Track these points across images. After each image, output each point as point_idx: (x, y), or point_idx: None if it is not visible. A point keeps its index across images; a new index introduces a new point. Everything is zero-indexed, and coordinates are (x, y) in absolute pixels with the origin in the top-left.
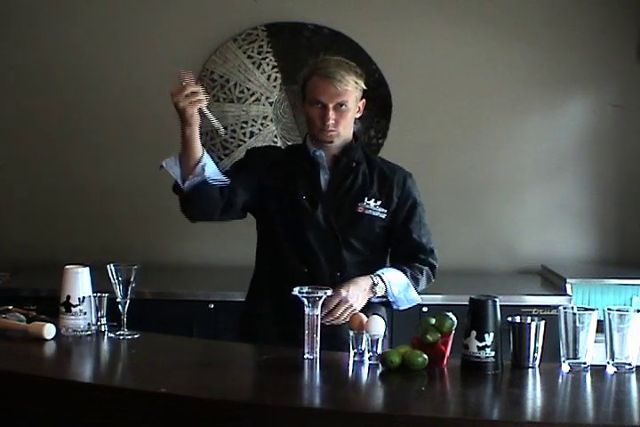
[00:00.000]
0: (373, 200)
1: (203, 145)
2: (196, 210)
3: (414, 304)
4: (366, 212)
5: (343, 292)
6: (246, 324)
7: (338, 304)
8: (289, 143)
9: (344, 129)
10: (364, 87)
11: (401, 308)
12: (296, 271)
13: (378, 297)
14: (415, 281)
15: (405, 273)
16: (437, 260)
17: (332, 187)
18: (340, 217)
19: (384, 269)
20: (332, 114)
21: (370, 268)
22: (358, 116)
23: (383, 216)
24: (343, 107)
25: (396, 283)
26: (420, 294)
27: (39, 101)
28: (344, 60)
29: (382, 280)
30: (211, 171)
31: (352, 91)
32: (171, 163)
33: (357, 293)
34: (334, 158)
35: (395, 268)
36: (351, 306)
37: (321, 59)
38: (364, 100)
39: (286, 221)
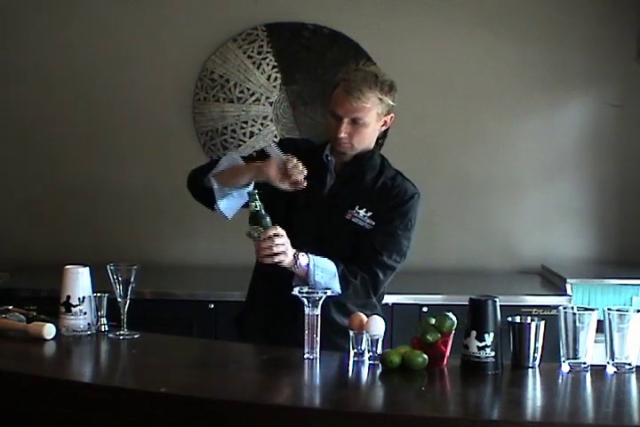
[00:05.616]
0: (364, 210)
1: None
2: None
3: (334, 294)
4: (353, 219)
5: (280, 230)
6: (239, 325)
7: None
8: None
9: (359, 143)
10: (392, 103)
11: None
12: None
13: (298, 283)
14: (344, 280)
15: (338, 267)
16: (386, 276)
17: (332, 191)
18: (329, 221)
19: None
20: (345, 127)
21: None
22: (383, 129)
23: (369, 228)
24: (359, 122)
25: (321, 267)
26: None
27: (38, 102)
28: (376, 72)
29: (308, 257)
30: (225, 204)
31: (371, 107)
32: (226, 160)
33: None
34: (344, 165)
35: (330, 259)
36: (276, 244)
37: (354, 68)
38: (392, 114)
39: (279, 219)
